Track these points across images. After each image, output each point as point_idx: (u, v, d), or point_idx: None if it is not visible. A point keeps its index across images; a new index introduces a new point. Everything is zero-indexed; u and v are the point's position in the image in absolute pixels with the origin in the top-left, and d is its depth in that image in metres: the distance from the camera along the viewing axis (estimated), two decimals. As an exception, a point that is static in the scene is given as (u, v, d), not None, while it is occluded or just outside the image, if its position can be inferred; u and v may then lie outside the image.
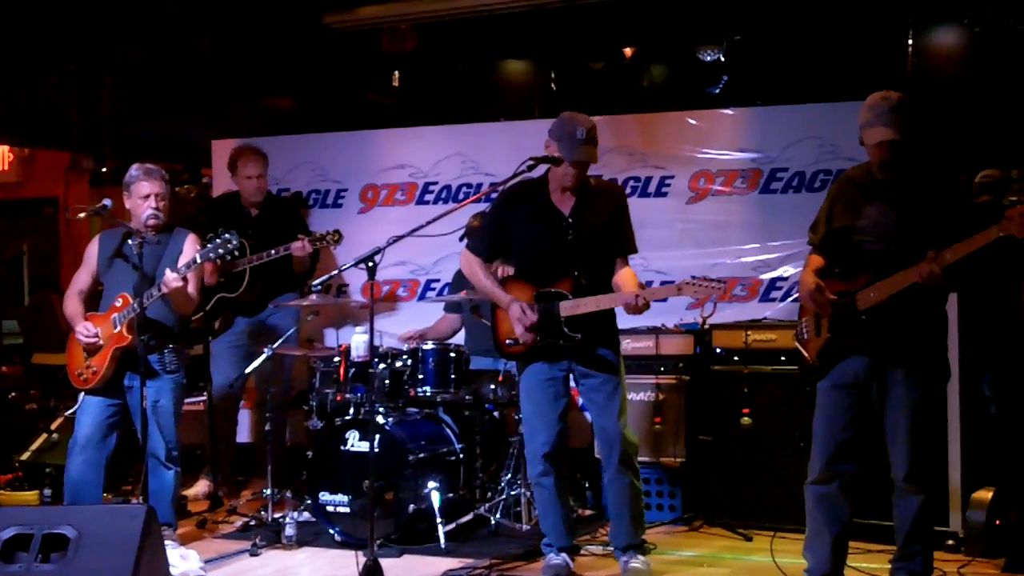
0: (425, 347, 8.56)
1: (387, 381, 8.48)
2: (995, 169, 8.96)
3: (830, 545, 6.40)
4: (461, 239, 8.73)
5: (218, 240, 7.43)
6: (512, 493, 8.35)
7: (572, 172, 6.90)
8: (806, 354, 6.58)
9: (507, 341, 7.17)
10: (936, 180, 6.20)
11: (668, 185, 9.80)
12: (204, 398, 9.66)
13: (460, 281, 9.18)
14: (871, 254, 6.20)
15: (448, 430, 8.48)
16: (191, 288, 7.63)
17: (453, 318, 9.57)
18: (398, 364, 8.55)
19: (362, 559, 6.69)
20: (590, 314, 6.86)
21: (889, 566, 6.46)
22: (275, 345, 8.70)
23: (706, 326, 8.75)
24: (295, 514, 8.24)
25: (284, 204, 10.32)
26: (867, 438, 6.35)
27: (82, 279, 7.88)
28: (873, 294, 6.10)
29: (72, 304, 7.78)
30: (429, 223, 6.87)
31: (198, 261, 7.46)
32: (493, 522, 8.20)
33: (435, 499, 7.91)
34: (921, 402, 6.17)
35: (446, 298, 9.33)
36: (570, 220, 6.99)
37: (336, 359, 8.66)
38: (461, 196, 10.30)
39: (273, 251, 9.16)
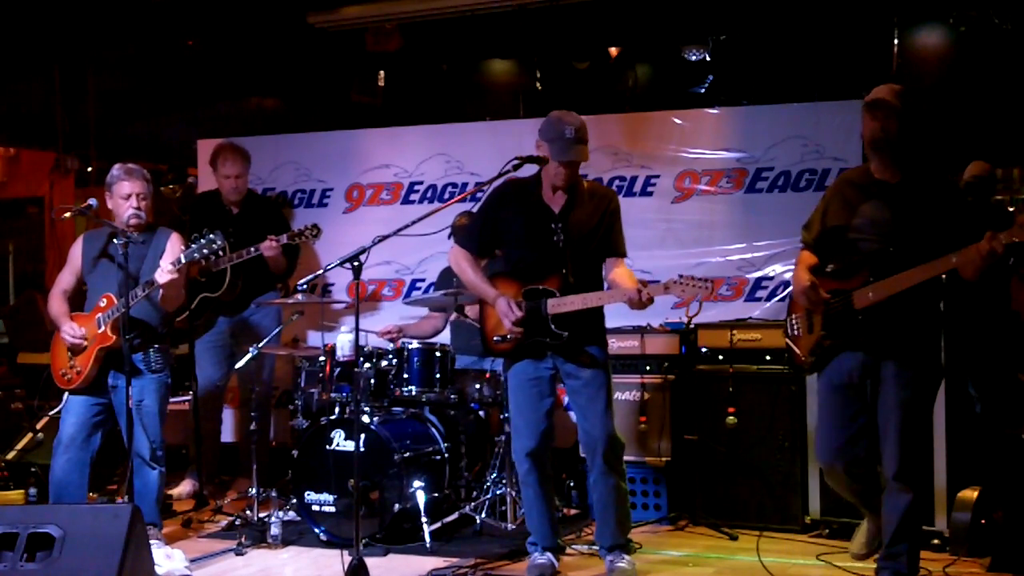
0: (410, 346, 8.54)
1: (372, 380, 8.46)
2: (981, 162, 9.01)
3: (859, 502, 6.65)
4: (450, 236, 8.76)
5: (203, 240, 7.42)
6: (497, 492, 8.34)
7: (563, 172, 6.90)
8: (797, 351, 6.64)
9: (494, 338, 7.15)
10: (932, 181, 6.25)
11: (653, 185, 9.80)
12: (189, 398, 9.64)
13: (445, 280, 9.19)
14: (867, 253, 6.23)
15: (433, 429, 8.47)
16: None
17: (437, 318, 9.54)
18: (383, 364, 8.53)
19: (347, 558, 6.68)
20: (577, 313, 6.84)
21: (875, 565, 6.47)
22: (261, 344, 8.70)
23: (691, 325, 8.76)
24: (280, 513, 8.23)
25: (266, 203, 10.30)
26: (872, 427, 6.42)
27: (66, 279, 7.87)
28: (872, 294, 6.13)
29: (56, 304, 7.77)
30: (414, 223, 6.87)
31: (183, 261, 7.45)
32: (478, 521, 8.20)
33: (420, 498, 7.91)
34: (912, 401, 6.20)
35: (430, 297, 9.30)
36: (559, 219, 6.98)
37: (321, 358, 8.65)
38: (446, 196, 10.30)
39: (244, 252, 9.13)
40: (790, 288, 8.39)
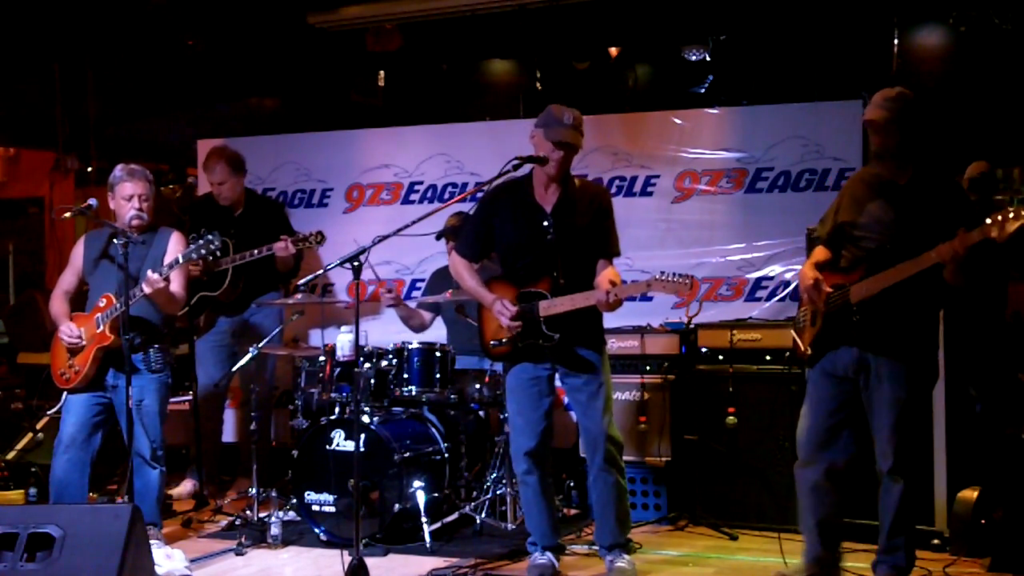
0: (410, 346, 8.55)
1: (372, 380, 8.46)
2: (982, 162, 9.03)
3: (815, 529, 6.63)
4: (437, 238, 8.79)
5: (201, 241, 7.42)
6: (497, 492, 8.35)
7: (557, 156, 6.85)
8: (800, 342, 6.76)
9: (491, 342, 7.15)
10: (938, 181, 6.35)
11: (653, 185, 9.81)
12: (189, 398, 9.64)
13: (437, 283, 9.21)
14: (868, 250, 6.35)
15: (433, 429, 8.47)
16: (176, 287, 7.63)
17: (425, 316, 9.54)
18: (383, 364, 8.53)
19: (347, 558, 6.68)
20: (571, 314, 6.82)
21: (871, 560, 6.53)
22: (261, 344, 8.70)
23: (691, 325, 8.75)
24: (280, 513, 8.23)
25: (268, 204, 10.25)
26: (857, 433, 6.51)
27: (67, 279, 7.87)
28: (866, 288, 6.24)
29: (57, 304, 7.78)
30: (414, 223, 6.88)
31: (180, 261, 7.45)
32: (478, 521, 8.20)
33: (420, 498, 7.92)
34: (907, 398, 6.28)
35: (429, 298, 9.29)
36: (551, 217, 6.95)
37: (321, 358, 8.65)
38: (446, 196, 10.31)
39: (256, 251, 9.11)
40: (791, 287, 8.42)
